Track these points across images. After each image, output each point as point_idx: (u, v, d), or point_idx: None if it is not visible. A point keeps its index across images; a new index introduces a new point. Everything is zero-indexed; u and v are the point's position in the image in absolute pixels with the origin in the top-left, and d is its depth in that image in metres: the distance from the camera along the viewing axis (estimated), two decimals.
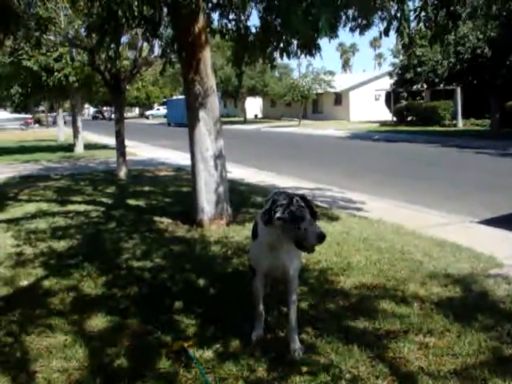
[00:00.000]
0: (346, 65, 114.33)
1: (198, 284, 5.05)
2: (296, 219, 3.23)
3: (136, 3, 4.90)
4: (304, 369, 3.35)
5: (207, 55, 6.95)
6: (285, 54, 7.41)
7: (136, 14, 5.11)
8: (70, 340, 3.92)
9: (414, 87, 32.06)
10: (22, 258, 6.11)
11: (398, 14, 5.22)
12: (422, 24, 5.41)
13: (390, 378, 3.25)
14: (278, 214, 3.27)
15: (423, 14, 5.42)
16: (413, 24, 5.44)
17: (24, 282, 5.29)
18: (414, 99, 38.34)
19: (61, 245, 6.64)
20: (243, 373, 3.35)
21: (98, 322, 4.23)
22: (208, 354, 3.62)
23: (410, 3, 5.31)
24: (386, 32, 5.40)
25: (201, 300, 4.59)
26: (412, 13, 5.31)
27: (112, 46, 6.74)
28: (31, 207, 9.27)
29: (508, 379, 3.17)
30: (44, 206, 9.43)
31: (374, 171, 14.17)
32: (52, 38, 13.27)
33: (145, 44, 13.11)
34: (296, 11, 5.21)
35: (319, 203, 9.03)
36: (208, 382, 3.25)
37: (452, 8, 5.35)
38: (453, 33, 5.97)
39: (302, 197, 3.40)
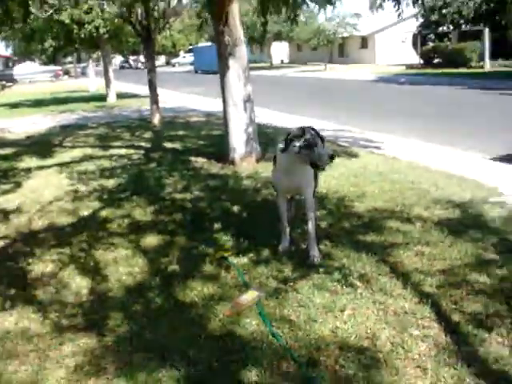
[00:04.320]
0: (373, 5, 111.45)
1: (233, 210, 5.92)
2: (310, 145, 3.99)
3: None
4: (321, 269, 4.18)
5: (235, 8, 7.61)
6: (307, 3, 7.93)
7: None
8: (130, 253, 4.83)
9: (440, 29, 31.81)
10: (79, 194, 7.04)
11: None
12: None
13: (390, 274, 4.06)
14: (294, 143, 4.05)
15: None
16: None
17: (84, 213, 6.22)
18: (441, 41, 37.97)
19: (110, 183, 7.55)
20: (272, 273, 4.20)
21: (151, 240, 5.13)
22: (243, 260, 4.48)
23: None
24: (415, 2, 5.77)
25: (235, 222, 5.45)
26: None
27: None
28: (77, 152, 10.20)
29: (483, 275, 3.95)
30: (88, 151, 10.34)
31: (397, 113, 14.68)
32: None
33: None
34: None
35: (341, 143, 9.74)
36: (244, 279, 4.11)
37: None
38: None
39: (312, 127, 4.15)
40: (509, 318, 3.33)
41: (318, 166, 4.11)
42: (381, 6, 5.53)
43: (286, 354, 3.10)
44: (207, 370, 3.00)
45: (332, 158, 3.98)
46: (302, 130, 4.08)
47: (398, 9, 5.61)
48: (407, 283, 3.87)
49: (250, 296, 3.76)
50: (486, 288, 3.76)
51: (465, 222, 5.14)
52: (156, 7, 10.27)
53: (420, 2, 5.87)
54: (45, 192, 7.23)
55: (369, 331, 3.29)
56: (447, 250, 4.45)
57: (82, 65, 54.85)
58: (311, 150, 3.99)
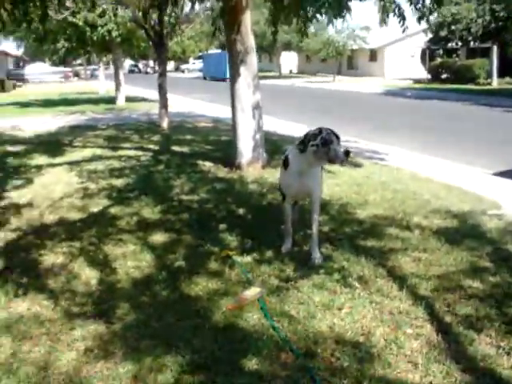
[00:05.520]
0: (382, 20, 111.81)
1: (238, 212, 6.11)
2: (327, 143, 4.19)
3: None
4: (321, 270, 4.36)
5: (247, 18, 7.84)
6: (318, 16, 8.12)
7: None
8: (138, 249, 5.02)
9: (449, 45, 32.09)
10: (89, 192, 7.25)
11: None
12: None
13: (388, 277, 4.23)
14: (312, 142, 4.24)
15: None
16: None
17: (94, 209, 6.42)
18: (449, 57, 38.23)
19: (119, 182, 7.75)
20: (275, 272, 4.38)
21: (158, 238, 5.31)
22: (247, 259, 4.66)
23: None
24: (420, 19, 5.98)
25: (241, 224, 5.64)
26: None
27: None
28: (87, 152, 10.42)
29: (476, 281, 4.12)
30: (98, 151, 10.57)
31: (403, 126, 14.88)
32: None
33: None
34: None
35: None
36: (247, 276, 4.29)
37: None
38: None
39: (329, 128, 4.35)
40: (498, 321, 3.50)
41: (335, 163, 4.38)
42: (384, 21, 5.67)
43: (285, 345, 3.27)
44: (210, 357, 3.17)
45: (347, 153, 4.19)
46: (319, 130, 4.30)
47: (403, 24, 5.78)
48: (403, 286, 4.04)
49: (252, 292, 3.94)
50: (479, 293, 3.93)
51: (462, 232, 5.31)
52: (174, 13, 10.58)
53: (425, 19, 5.99)
54: (55, 188, 7.44)
55: (364, 328, 3.46)
56: (443, 257, 4.62)
57: (92, 67, 55.32)
58: (328, 147, 4.19)
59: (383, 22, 5.70)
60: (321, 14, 7.50)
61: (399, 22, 5.69)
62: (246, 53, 7.94)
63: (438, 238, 5.07)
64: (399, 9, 5.57)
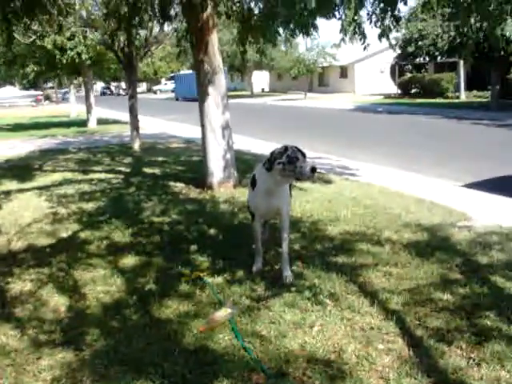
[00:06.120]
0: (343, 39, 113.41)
1: (210, 233, 6.07)
2: (293, 160, 4.19)
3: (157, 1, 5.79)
4: (292, 289, 4.34)
5: (215, 38, 7.88)
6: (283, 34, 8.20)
7: (156, 9, 6.01)
8: (108, 273, 4.94)
9: (417, 60, 32.71)
10: (58, 217, 7.13)
11: None
12: None
13: (359, 293, 4.23)
14: (278, 160, 4.24)
15: None
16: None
17: (63, 235, 6.32)
18: (418, 72, 38.93)
19: (89, 206, 7.66)
20: (246, 291, 4.35)
21: (129, 261, 5.25)
22: (218, 280, 4.63)
23: None
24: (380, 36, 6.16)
25: (212, 244, 5.61)
26: None
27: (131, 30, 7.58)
28: (57, 176, 10.30)
29: (447, 293, 4.15)
30: (68, 175, 10.45)
31: (373, 141, 15.07)
32: (69, 19, 14.11)
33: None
34: None
35: (318, 170, 9.95)
36: (218, 297, 4.26)
37: None
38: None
39: (294, 145, 4.36)
40: (468, 332, 3.52)
41: (302, 179, 4.38)
42: (344, 40, 5.76)
43: (256, 366, 3.24)
44: (181, 381, 3.12)
45: (314, 170, 4.19)
46: (285, 148, 4.29)
47: (364, 43, 5.88)
48: (374, 301, 4.05)
49: (223, 313, 3.90)
50: (449, 305, 3.96)
51: (432, 245, 5.35)
52: (138, 35, 10.64)
53: (386, 36, 6.06)
54: (24, 214, 7.32)
55: (336, 345, 3.45)
56: (414, 271, 4.65)
57: (63, 90, 54.99)
58: (294, 164, 4.19)
59: (343, 40, 5.77)
60: (279, 34, 7.57)
61: (360, 39, 5.79)
62: (214, 73, 7.97)
63: (409, 252, 5.11)
64: (359, 27, 5.66)
